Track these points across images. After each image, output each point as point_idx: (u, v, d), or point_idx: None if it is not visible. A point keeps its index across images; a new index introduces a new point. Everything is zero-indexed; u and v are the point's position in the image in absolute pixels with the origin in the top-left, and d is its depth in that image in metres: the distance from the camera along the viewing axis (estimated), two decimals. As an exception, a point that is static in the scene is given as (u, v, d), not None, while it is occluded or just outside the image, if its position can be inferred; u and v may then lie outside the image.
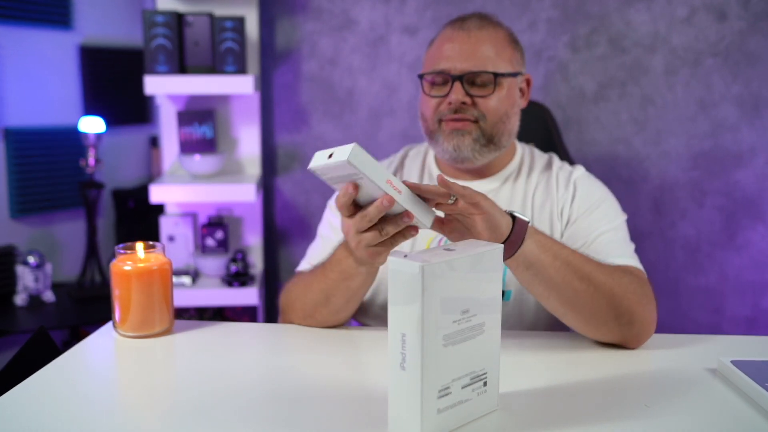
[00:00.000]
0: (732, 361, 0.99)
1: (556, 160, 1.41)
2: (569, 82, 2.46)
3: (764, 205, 2.44)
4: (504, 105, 1.30)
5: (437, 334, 0.78)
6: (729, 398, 0.93)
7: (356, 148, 0.86)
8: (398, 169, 1.44)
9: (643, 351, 1.11)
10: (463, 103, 1.28)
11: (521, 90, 1.37)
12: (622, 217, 1.31)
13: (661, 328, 1.16)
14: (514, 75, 1.33)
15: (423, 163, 1.43)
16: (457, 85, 1.28)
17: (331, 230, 1.38)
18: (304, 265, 1.36)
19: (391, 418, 0.82)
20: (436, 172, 1.40)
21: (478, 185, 1.35)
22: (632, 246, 1.28)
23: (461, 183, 1.36)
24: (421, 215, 0.94)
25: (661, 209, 2.47)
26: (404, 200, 0.92)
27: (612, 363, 1.06)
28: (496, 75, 1.28)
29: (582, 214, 1.30)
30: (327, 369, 1.04)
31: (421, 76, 1.33)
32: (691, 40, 2.41)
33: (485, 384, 0.86)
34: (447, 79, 1.29)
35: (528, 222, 1.01)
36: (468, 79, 1.28)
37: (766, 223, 2.44)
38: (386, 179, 0.89)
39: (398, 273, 0.78)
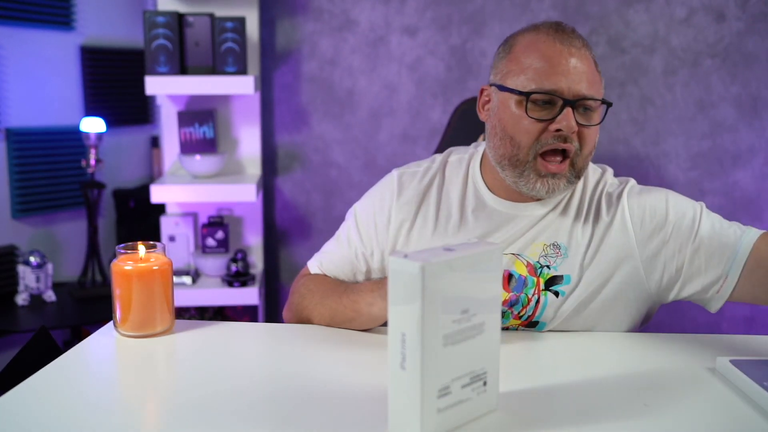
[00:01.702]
0: (731, 361, 0.99)
1: (608, 177, 1.28)
2: (569, 83, 2.47)
3: (763, 205, 2.45)
4: (597, 135, 1.18)
5: (437, 334, 0.79)
6: (728, 397, 0.93)
7: None
8: (437, 176, 1.29)
9: (642, 350, 1.11)
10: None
11: None
12: (699, 204, 1.21)
13: (660, 328, 1.17)
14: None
15: (466, 176, 1.28)
16: (569, 111, 1.12)
17: (347, 240, 1.30)
18: (314, 264, 1.32)
19: (391, 418, 0.82)
20: (482, 187, 1.25)
21: (530, 209, 1.22)
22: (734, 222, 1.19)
23: (514, 206, 1.22)
24: None
25: (660, 209, 2.47)
26: None
27: (611, 363, 1.07)
28: (608, 104, 1.16)
29: (657, 226, 1.19)
30: (327, 369, 1.04)
31: (527, 96, 1.13)
32: (690, 41, 2.41)
33: (485, 384, 0.86)
34: (555, 101, 1.13)
35: None
36: (580, 105, 1.13)
37: (765, 223, 2.45)
38: None
39: (398, 273, 0.78)
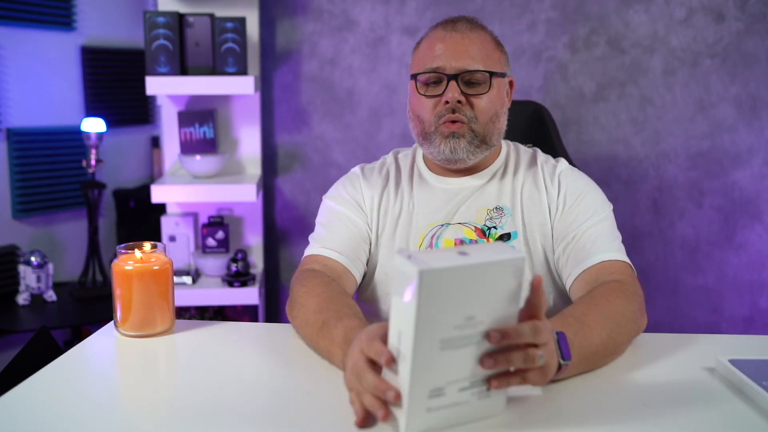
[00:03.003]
0: (730, 360, 0.99)
1: (540, 154, 1.42)
2: (568, 83, 2.47)
3: (762, 205, 2.45)
4: (495, 104, 1.32)
5: (433, 337, 0.78)
6: (727, 397, 0.94)
7: None
8: (392, 167, 1.43)
9: (641, 350, 1.11)
10: (458, 102, 1.28)
11: (506, 92, 1.38)
12: (607, 208, 1.32)
13: (660, 328, 1.17)
14: (503, 75, 1.34)
15: (412, 164, 1.43)
16: (453, 83, 1.28)
17: (332, 214, 1.37)
18: (315, 247, 1.32)
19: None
20: (425, 172, 1.41)
21: (467, 182, 1.37)
22: (618, 237, 1.29)
23: (450, 181, 1.36)
24: None
25: (659, 209, 2.48)
26: None
27: (611, 363, 1.07)
28: (491, 74, 1.30)
29: (568, 207, 1.31)
30: (327, 368, 1.04)
31: (414, 77, 1.33)
32: (690, 41, 2.42)
33: (489, 389, 0.84)
34: (441, 78, 1.29)
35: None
36: (462, 78, 1.29)
37: (764, 223, 2.45)
38: None
39: (401, 272, 0.78)
